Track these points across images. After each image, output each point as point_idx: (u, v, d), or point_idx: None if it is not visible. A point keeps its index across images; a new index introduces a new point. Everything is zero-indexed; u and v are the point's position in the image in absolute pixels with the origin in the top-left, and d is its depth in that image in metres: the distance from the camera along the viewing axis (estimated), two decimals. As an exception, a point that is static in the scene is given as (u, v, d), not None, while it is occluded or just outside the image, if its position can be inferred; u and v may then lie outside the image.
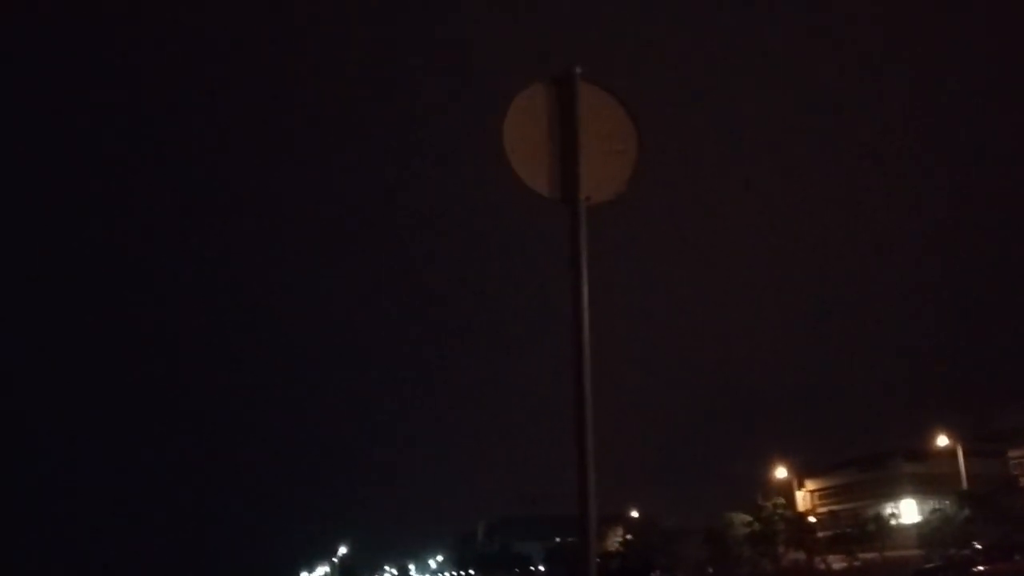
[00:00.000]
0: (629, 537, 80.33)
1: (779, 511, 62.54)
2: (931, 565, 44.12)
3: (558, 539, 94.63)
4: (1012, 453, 69.82)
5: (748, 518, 61.94)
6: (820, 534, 63.06)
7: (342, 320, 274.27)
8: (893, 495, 74.64)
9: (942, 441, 64.56)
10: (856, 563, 54.55)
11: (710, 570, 67.16)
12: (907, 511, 71.66)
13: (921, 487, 72.94)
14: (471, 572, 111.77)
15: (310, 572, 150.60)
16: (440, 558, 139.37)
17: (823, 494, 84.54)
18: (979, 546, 43.41)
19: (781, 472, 78.46)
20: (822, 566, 57.06)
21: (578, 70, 4.20)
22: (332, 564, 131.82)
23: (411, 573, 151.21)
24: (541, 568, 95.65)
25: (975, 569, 39.83)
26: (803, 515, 70.14)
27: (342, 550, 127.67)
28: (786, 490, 76.71)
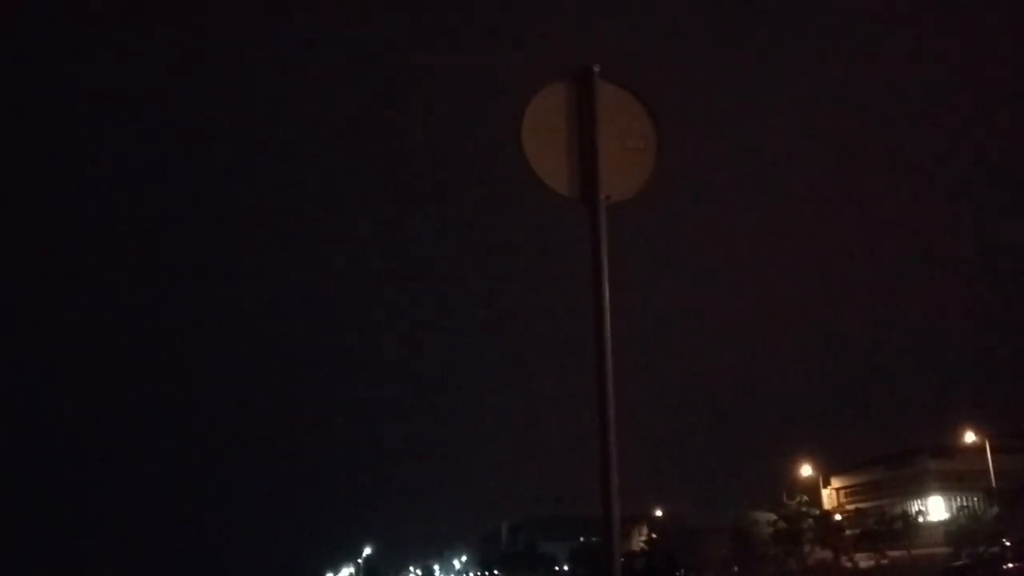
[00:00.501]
0: (654, 536, 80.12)
1: (804, 509, 62.08)
2: (959, 563, 43.60)
3: (582, 539, 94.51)
4: (1041, 449, 69.06)
5: (773, 517, 61.54)
6: (847, 532, 62.53)
7: (366, 323, 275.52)
8: (920, 492, 74.02)
9: (969, 438, 63.90)
10: (884, 561, 54.01)
11: (735, 569, 66.81)
12: (935, 508, 71.05)
13: (948, 484, 72.29)
14: (495, 572, 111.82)
15: (335, 573, 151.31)
16: (464, 558, 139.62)
17: (849, 492, 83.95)
18: (1008, 543, 42.89)
19: (807, 470, 77.96)
20: (849, 564, 56.55)
21: (596, 68, 4.18)
22: (357, 565, 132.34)
23: (435, 573, 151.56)
24: (565, 568, 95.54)
25: (1004, 567, 39.35)
26: (829, 513, 69.58)
27: (367, 551, 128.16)
28: (812, 488, 76.23)
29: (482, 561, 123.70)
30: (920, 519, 63.55)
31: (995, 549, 42.35)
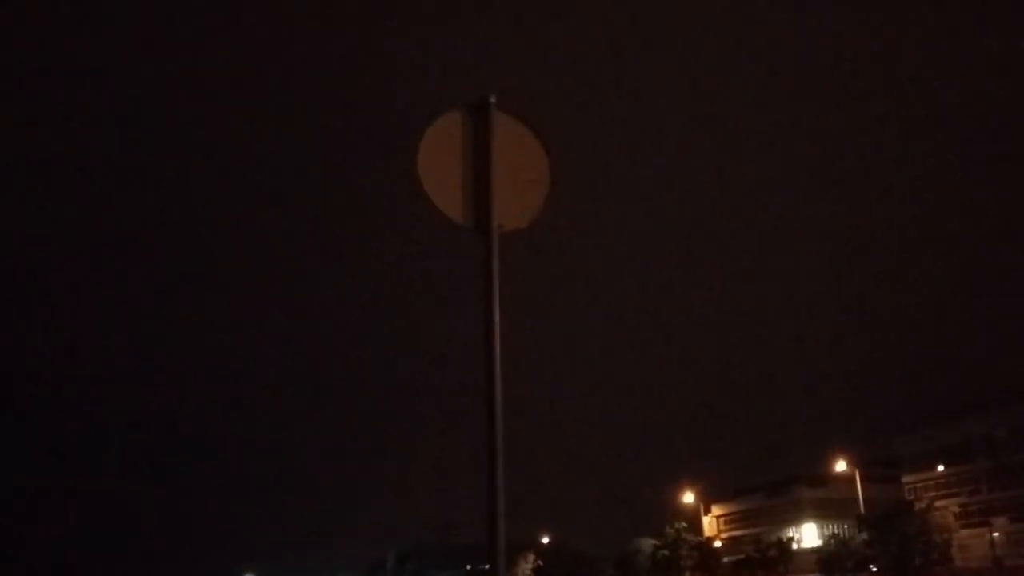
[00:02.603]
0: (540, 563, 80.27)
1: (683, 536, 63.37)
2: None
3: (469, 567, 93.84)
4: (906, 478, 72.55)
5: (655, 544, 62.60)
6: (725, 559, 64.12)
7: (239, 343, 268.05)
8: (795, 520, 76.58)
9: (841, 467, 66.59)
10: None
11: (618, 596, 67.51)
12: (808, 535, 73.58)
13: (821, 512, 75.06)
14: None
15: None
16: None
17: (728, 519, 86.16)
18: (875, 569, 44.77)
19: (689, 498, 79.68)
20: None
21: (493, 99, 4.24)
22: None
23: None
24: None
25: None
26: (708, 540, 71.25)
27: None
28: (693, 516, 77.97)
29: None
30: (794, 546, 65.67)
31: (863, 575, 44.13)
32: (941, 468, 69.58)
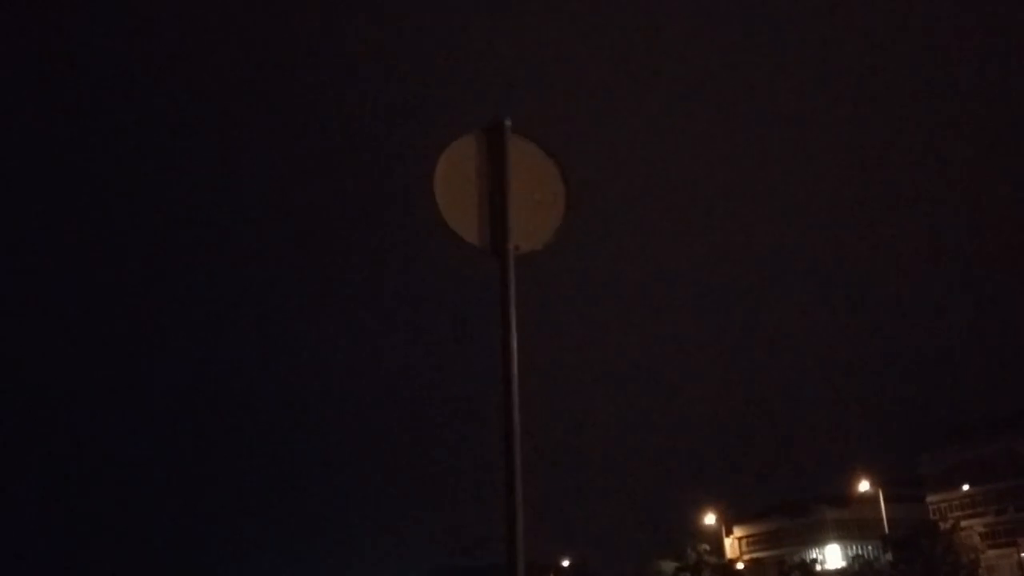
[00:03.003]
0: (560, 586, 79.81)
1: (705, 558, 62.81)
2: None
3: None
4: (931, 498, 71.67)
5: (676, 565, 62.07)
6: (748, 581, 63.44)
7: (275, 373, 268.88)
8: (818, 541, 75.71)
9: (864, 487, 65.93)
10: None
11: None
12: (832, 557, 72.73)
13: (845, 533, 74.19)
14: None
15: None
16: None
17: (751, 541, 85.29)
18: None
19: (710, 519, 79.00)
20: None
21: (508, 122, 4.28)
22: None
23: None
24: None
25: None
26: (730, 562, 70.59)
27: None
28: (715, 537, 77.24)
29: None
30: (818, 567, 64.94)
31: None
32: (966, 487, 68.68)
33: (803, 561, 64.03)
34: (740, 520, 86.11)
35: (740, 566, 71.30)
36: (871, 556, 59.56)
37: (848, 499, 71.91)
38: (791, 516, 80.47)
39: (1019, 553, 62.56)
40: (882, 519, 61.12)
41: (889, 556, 54.30)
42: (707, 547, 65.81)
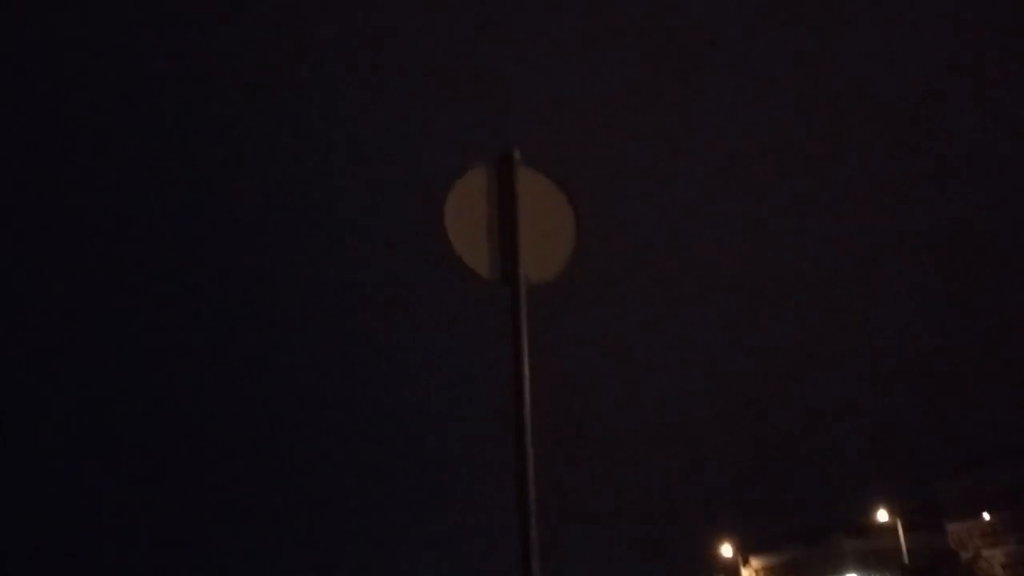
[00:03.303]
0: (576, 620, 78.84)
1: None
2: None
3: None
4: (951, 526, 70.67)
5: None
6: (766, 613, 62.67)
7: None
8: (836, 571, 74.72)
9: (882, 515, 65.18)
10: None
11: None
12: (851, 587, 71.78)
13: (863, 562, 73.22)
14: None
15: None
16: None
17: (768, 571, 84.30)
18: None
19: (727, 550, 78.23)
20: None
21: (517, 154, 4.30)
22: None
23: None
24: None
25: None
26: (749, 594, 69.76)
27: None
28: (732, 568, 76.40)
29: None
30: (837, 598, 64.13)
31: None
32: (986, 515, 67.80)
33: (822, 592, 63.20)
34: (757, 551, 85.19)
35: (758, 598, 70.45)
36: (891, 587, 58.72)
37: (866, 528, 71.11)
38: (809, 546, 79.55)
39: (1042, 582, 61.60)
40: (901, 548, 60.32)
41: (909, 586, 53.54)
42: (724, 579, 65.12)
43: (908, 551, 59.67)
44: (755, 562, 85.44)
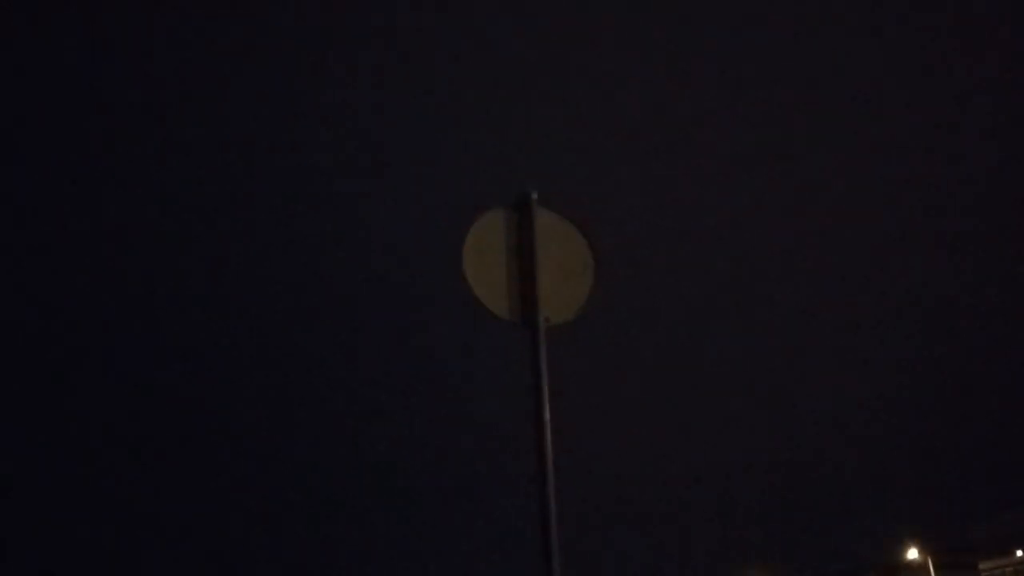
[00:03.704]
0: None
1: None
2: None
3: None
4: (983, 565, 69.29)
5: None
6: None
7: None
8: (868, 613, 73.32)
9: (912, 554, 64.03)
10: None
11: None
12: (883, 629, 70.30)
13: (895, 604, 71.82)
14: None
15: None
16: None
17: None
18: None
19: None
20: None
21: (534, 195, 4.32)
22: None
23: None
24: None
25: None
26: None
27: None
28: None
29: None
30: (869, 640, 62.82)
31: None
32: (1020, 553, 66.52)
33: (854, 634, 61.85)
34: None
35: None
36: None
37: (897, 567, 69.85)
38: (840, 587, 78.18)
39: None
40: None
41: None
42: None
43: (941, 591, 58.45)
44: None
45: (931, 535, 66.61)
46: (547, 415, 3.89)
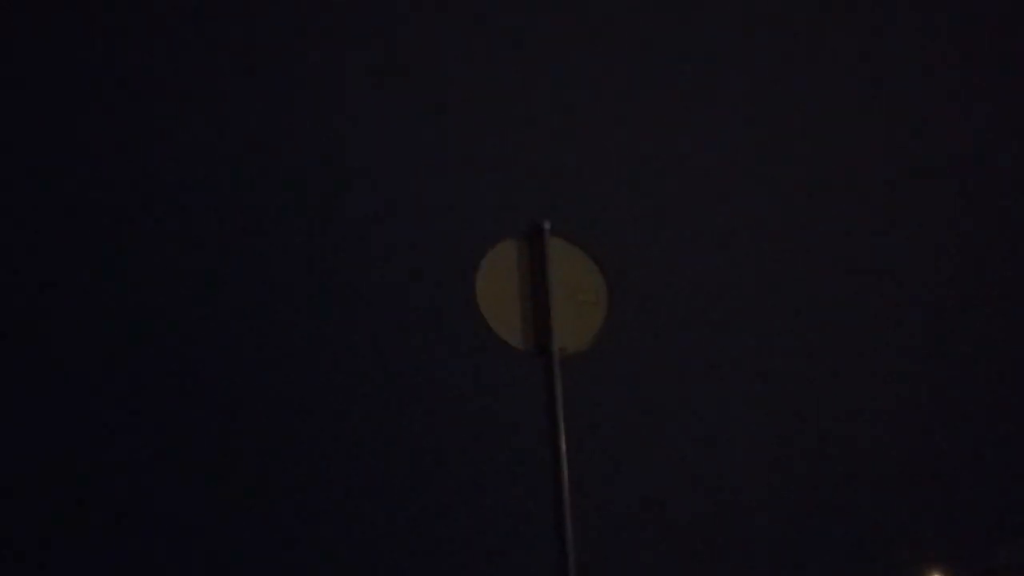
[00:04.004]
0: None
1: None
2: None
3: None
4: (1010, 589, 68.31)
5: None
6: None
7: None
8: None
9: (937, 579, 63.22)
10: None
11: None
12: (908, 656, 69.32)
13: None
14: None
15: None
16: None
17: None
18: None
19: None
20: None
21: (547, 225, 4.34)
22: None
23: None
24: None
25: None
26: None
27: None
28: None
29: None
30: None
31: None
32: (1046, 576, 65.55)
33: (879, 661, 60.95)
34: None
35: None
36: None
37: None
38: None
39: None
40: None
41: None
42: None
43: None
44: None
45: (955, 559, 65.81)
46: (564, 448, 3.87)
